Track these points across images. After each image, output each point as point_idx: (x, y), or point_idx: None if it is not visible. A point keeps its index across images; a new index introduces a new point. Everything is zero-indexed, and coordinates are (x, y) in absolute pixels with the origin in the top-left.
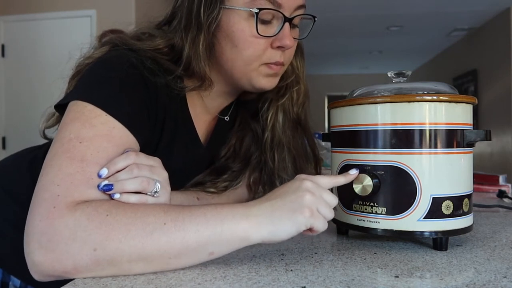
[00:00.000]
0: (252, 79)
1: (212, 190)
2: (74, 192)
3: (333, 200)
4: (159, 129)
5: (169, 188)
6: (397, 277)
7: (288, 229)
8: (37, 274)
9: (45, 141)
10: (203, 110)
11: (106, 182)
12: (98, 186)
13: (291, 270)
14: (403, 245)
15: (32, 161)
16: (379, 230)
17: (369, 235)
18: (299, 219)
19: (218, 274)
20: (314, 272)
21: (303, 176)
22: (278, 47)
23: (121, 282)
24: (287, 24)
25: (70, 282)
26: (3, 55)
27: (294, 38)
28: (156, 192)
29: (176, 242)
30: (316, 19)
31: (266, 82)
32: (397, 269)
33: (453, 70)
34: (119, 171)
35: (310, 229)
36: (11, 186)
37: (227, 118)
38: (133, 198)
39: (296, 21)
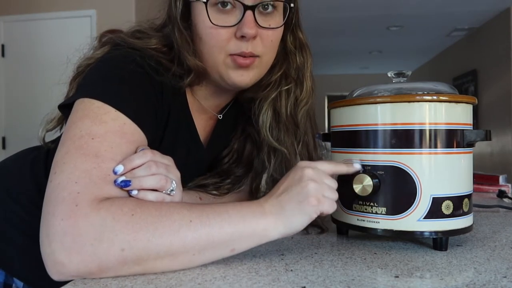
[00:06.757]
0: (221, 73)
1: (214, 192)
2: (94, 189)
3: (334, 184)
4: (162, 128)
5: (181, 187)
6: (397, 277)
7: (301, 221)
8: (57, 275)
9: None
10: (200, 109)
11: (123, 178)
12: (115, 181)
13: (291, 270)
14: (403, 245)
15: (33, 161)
16: (379, 230)
17: (369, 235)
18: (307, 209)
19: (218, 274)
20: (314, 272)
21: (303, 163)
22: (242, 37)
23: (121, 282)
24: (248, 12)
25: (70, 282)
26: (3, 55)
27: (265, 28)
28: (172, 190)
29: (202, 238)
30: (291, 5)
31: (236, 76)
32: (397, 269)
33: (453, 70)
34: (134, 169)
35: (321, 213)
36: (12, 186)
37: (220, 117)
38: (151, 196)
39: (277, 9)
